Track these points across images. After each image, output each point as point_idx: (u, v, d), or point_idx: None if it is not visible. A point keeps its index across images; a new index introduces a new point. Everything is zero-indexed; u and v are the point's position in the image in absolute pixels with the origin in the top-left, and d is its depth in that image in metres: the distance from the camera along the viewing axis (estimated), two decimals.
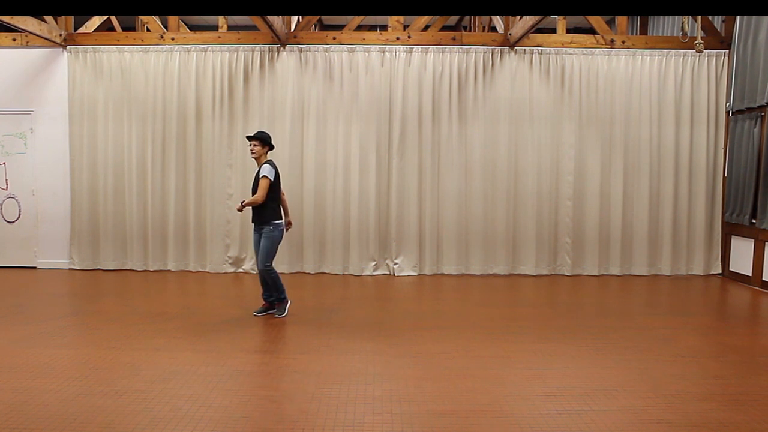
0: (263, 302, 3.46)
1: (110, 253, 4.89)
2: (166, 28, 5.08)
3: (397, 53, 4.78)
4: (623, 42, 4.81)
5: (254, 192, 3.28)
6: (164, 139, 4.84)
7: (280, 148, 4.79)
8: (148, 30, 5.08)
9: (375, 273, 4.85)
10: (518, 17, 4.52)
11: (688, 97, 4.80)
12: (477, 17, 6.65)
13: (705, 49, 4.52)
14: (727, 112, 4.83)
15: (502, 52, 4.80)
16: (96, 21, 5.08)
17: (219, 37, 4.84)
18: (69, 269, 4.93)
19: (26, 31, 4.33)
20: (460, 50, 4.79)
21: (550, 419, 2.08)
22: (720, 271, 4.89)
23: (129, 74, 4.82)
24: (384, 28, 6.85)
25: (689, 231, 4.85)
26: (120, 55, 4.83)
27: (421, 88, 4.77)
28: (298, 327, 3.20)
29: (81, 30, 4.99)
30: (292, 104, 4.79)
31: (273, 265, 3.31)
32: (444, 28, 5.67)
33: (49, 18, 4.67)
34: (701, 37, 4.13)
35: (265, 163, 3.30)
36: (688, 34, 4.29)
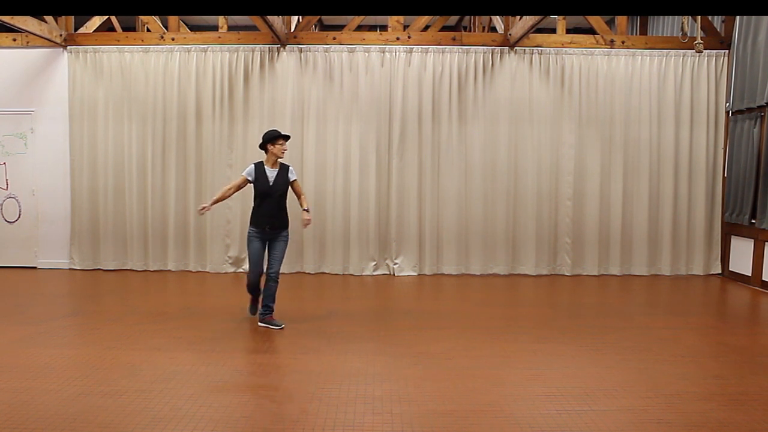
0: (253, 298, 3.31)
1: (110, 253, 4.89)
2: (166, 28, 5.08)
3: (397, 53, 4.78)
4: (623, 42, 4.81)
5: (280, 195, 3.07)
6: (164, 139, 4.84)
7: None
8: (148, 30, 5.08)
9: (375, 273, 4.85)
10: (518, 17, 4.52)
11: (688, 98, 4.80)
12: (477, 17, 6.65)
13: (705, 49, 4.52)
14: (727, 112, 4.83)
15: (502, 53, 4.80)
16: (96, 21, 5.08)
17: (219, 37, 4.85)
18: (69, 269, 4.93)
19: (26, 31, 4.33)
20: (460, 50, 4.79)
21: (550, 419, 2.08)
22: (720, 271, 4.89)
23: (129, 74, 4.82)
24: (384, 28, 6.85)
25: (689, 231, 4.85)
26: (120, 55, 4.84)
27: (421, 89, 4.77)
28: (298, 327, 3.20)
29: (81, 30, 4.99)
30: (292, 104, 4.79)
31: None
32: (444, 29, 5.67)
33: (49, 18, 4.67)
34: (701, 38, 4.13)
35: (286, 165, 3.17)
36: (688, 35, 4.29)
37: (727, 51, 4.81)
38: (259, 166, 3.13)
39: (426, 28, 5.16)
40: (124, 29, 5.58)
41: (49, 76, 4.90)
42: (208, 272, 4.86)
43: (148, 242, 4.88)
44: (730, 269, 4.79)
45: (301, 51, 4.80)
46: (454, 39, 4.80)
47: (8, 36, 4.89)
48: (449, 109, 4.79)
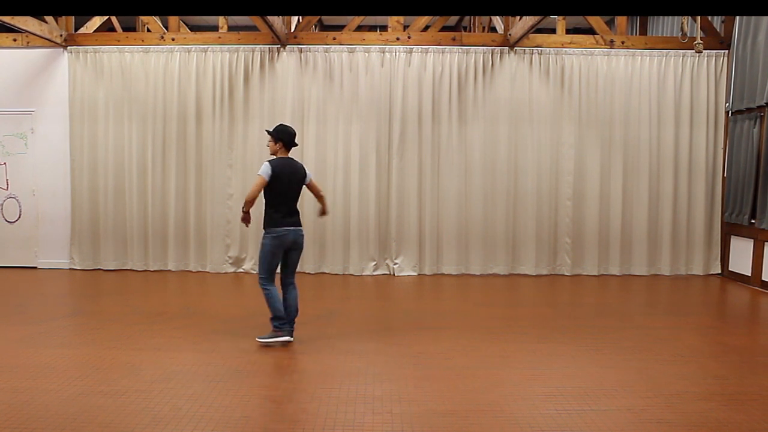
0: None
1: (111, 253, 4.89)
2: (166, 28, 5.08)
3: (397, 53, 4.78)
4: (623, 42, 4.81)
5: (295, 197, 2.86)
6: (164, 139, 4.84)
7: None
8: (148, 30, 5.08)
9: (375, 273, 4.85)
10: (518, 17, 4.52)
11: (688, 98, 4.80)
12: (477, 18, 6.66)
13: (704, 49, 4.52)
14: (727, 112, 4.83)
15: (501, 53, 4.80)
16: (96, 21, 5.08)
17: (219, 37, 4.85)
18: (69, 269, 4.93)
19: (27, 31, 4.33)
20: (460, 50, 4.79)
21: (550, 419, 2.08)
22: (719, 271, 4.89)
23: (129, 74, 4.83)
24: (384, 28, 6.85)
25: (689, 231, 4.86)
26: (120, 55, 4.84)
27: (421, 89, 4.77)
28: (298, 327, 3.20)
29: (81, 30, 4.99)
30: (293, 104, 4.79)
31: (267, 280, 2.79)
32: (444, 29, 5.67)
33: (49, 18, 4.67)
34: (701, 38, 4.13)
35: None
36: (688, 35, 4.29)
37: (726, 51, 4.81)
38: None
39: (426, 28, 5.16)
40: (125, 29, 5.58)
41: (50, 77, 4.90)
42: (208, 272, 4.86)
43: (148, 242, 4.88)
44: (730, 269, 4.79)
45: (301, 51, 4.80)
46: (454, 39, 4.81)
47: (8, 36, 4.89)
48: (449, 109, 4.79)
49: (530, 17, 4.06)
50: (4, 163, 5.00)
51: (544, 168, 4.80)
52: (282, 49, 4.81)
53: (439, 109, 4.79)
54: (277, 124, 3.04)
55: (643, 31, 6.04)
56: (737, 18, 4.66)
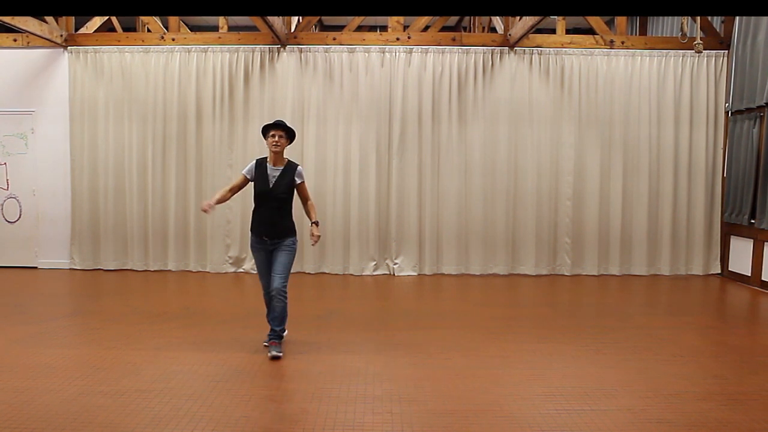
0: (272, 341, 2.72)
1: (111, 253, 4.89)
2: (166, 28, 5.08)
3: (397, 54, 4.78)
4: (622, 42, 4.81)
5: (281, 199, 2.61)
6: (165, 139, 4.84)
7: None
8: (148, 30, 5.09)
9: (375, 273, 4.85)
10: (518, 18, 4.52)
11: (688, 98, 4.81)
12: (477, 18, 6.66)
13: (704, 49, 4.53)
14: (727, 113, 4.83)
15: (501, 53, 4.80)
16: (96, 21, 5.09)
17: (219, 37, 4.85)
18: (70, 269, 4.93)
19: (27, 31, 4.33)
20: (460, 51, 4.79)
21: (550, 419, 2.08)
22: (719, 271, 4.89)
23: (129, 75, 4.83)
24: (384, 28, 6.85)
25: (688, 231, 4.86)
26: (120, 55, 4.84)
27: (421, 89, 4.77)
28: (298, 327, 3.20)
29: (82, 30, 4.99)
30: (293, 104, 4.79)
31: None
32: (444, 29, 5.68)
33: (49, 18, 4.67)
34: (700, 38, 4.14)
35: (294, 163, 2.71)
36: (688, 35, 4.29)
37: (726, 51, 4.81)
38: (261, 164, 2.68)
39: (426, 28, 5.16)
40: (125, 30, 5.58)
41: (50, 77, 4.90)
42: (208, 272, 4.86)
43: (148, 242, 4.89)
44: (730, 269, 4.79)
45: (301, 51, 4.80)
46: (453, 39, 4.81)
47: (9, 36, 4.89)
48: (449, 110, 4.79)
49: (530, 17, 4.06)
50: (5, 163, 5.00)
51: (544, 168, 4.80)
52: (282, 49, 4.81)
53: (439, 109, 4.79)
54: (278, 119, 2.93)
55: (643, 32, 6.04)
56: (737, 18, 4.66)
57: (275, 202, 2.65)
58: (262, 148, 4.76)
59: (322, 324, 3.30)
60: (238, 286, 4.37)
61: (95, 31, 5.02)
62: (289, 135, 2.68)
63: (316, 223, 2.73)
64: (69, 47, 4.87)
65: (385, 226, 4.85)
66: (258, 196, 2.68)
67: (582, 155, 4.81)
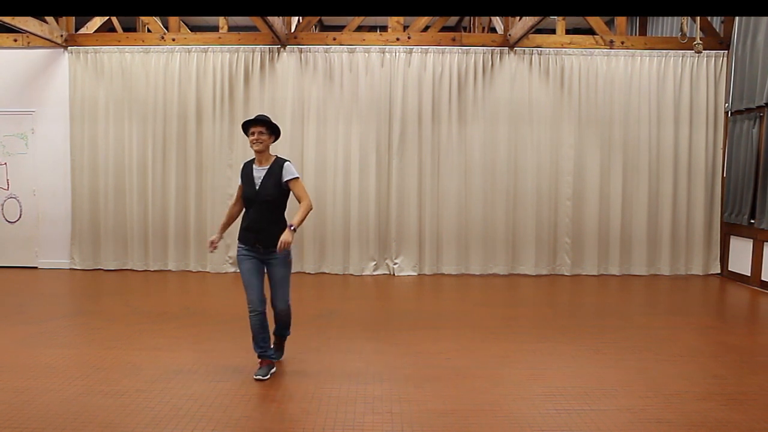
0: (263, 360, 2.43)
1: (111, 253, 4.89)
2: (166, 28, 5.08)
3: (397, 54, 4.78)
4: (622, 43, 4.81)
5: (269, 202, 2.34)
6: (165, 139, 4.84)
7: (281, 148, 4.79)
8: (148, 31, 5.09)
9: (375, 273, 4.85)
10: (518, 18, 4.52)
11: (687, 98, 4.81)
12: (476, 18, 6.66)
13: (704, 49, 4.52)
14: (726, 113, 4.83)
15: (501, 53, 4.81)
16: (97, 22, 5.09)
17: (219, 37, 4.85)
18: (70, 269, 4.93)
19: (27, 31, 4.33)
20: (460, 51, 4.79)
21: (550, 419, 2.08)
22: (719, 271, 4.89)
23: (130, 75, 4.83)
24: (384, 28, 6.85)
25: (688, 231, 4.86)
26: (121, 55, 4.84)
27: (421, 89, 4.77)
28: (299, 327, 3.20)
29: (82, 31, 4.99)
30: (293, 105, 4.79)
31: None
32: (444, 29, 5.68)
33: (50, 19, 4.67)
34: (700, 38, 4.14)
35: (282, 159, 2.41)
36: (687, 35, 4.29)
37: (726, 51, 4.81)
38: (248, 165, 2.45)
39: (426, 28, 5.17)
40: (125, 30, 5.58)
41: (50, 77, 4.90)
42: (208, 272, 4.86)
43: (148, 242, 4.88)
44: (730, 269, 4.79)
45: (301, 51, 4.81)
46: (453, 39, 4.81)
47: (9, 36, 4.89)
48: (449, 110, 4.79)
49: (530, 18, 4.06)
50: (5, 163, 5.00)
51: (544, 168, 4.80)
52: (282, 49, 4.81)
53: (439, 110, 4.79)
54: (258, 114, 2.54)
55: (643, 32, 6.04)
56: (737, 18, 4.66)
57: (263, 206, 2.37)
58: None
59: (322, 324, 3.30)
60: (238, 287, 4.36)
61: (95, 32, 5.02)
62: (272, 130, 2.41)
63: (291, 228, 2.28)
64: (69, 47, 4.87)
65: (385, 226, 4.85)
66: (245, 201, 2.43)
67: (582, 155, 4.81)
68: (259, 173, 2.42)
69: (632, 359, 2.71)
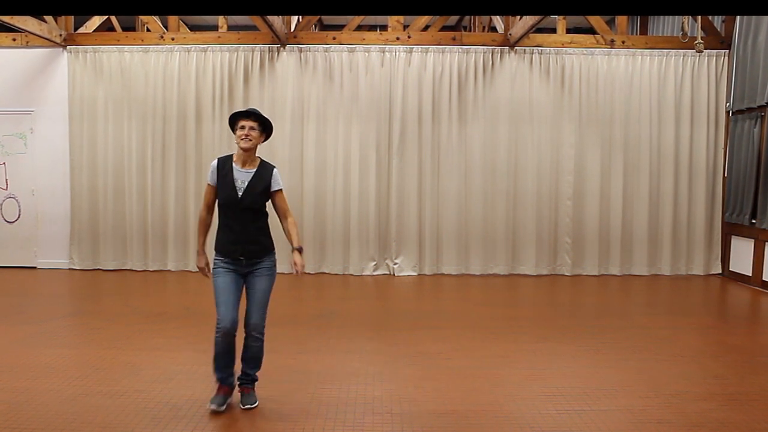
0: (222, 386, 2.11)
1: (110, 253, 4.88)
2: (166, 28, 5.07)
3: (397, 53, 4.77)
4: (623, 42, 4.80)
5: (252, 210, 2.05)
6: (164, 139, 4.83)
7: (280, 148, 4.79)
8: (148, 30, 5.08)
9: (375, 273, 4.84)
10: (518, 17, 4.51)
11: (688, 97, 4.79)
12: (477, 17, 6.64)
13: (705, 49, 4.51)
14: (727, 112, 4.82)
15: (502, 52, 4.79)
16: (96, 21, 5.07)
17: (219, 37, 4.84)
18: (69, 269, 4.92)
19: (26, 31, 4.32)
20: (460, 50, 4.78)
21: (550, 419, 2.08)
22: (720, 271, 4.88)
23: (129, 74, 4.82)
24: (384, 28, 6.84)
25: (689, 231, 4.85)
26: (120, 55, 4.83)
27: (421, 88, 4.76)
28: (298, 327, 3.20)
29: (81, 30, 4.98)
30: (292, 104, 4.78)
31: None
32: (444, 28, 5.66)
33: (49, 18, 4.66)
34: (701, 37, 4.12)
35: (270, 165, 2.13)
36: (688, 34, 4.27)
37: (727, 51, 4.80)
38: (225, 164, 2.08)
39: (426, 28, 5.15)
40: (124, 29, 5.57)
41: (49, 76, 4.89)
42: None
43: (147, 242, 4.87)
44: (731, 269, 4.78)
45: (301, 51, 4.79)
46: (454, 39, 4.80)
47: (8, 36, 4.88)
48: (449, 109, 4.78)
49: (530, 17, 4.05)
50: (4, 163, 4.99)
51: (545, 168, 4.79)
52: (282, 48, 4.80)
53: (439, 109, 4.78)
54: (250, 107, 2.24)
55: (644, 31, 6.03)
56: (738, 18, 4.65)
57: (247, 214, 2.05)
58: (261, 148, 4.74)
59: (322, 324, 3.29)
60: None
61: (94, 31, 5.01)
62: (264, 127, 2.10)
63: (300, 250, 2.08)
64: (68, 47, 4.85)
65: (385, 226, 4.84)
66: (223, 207, 2.07)
67: (582, 155, 4.80)
68: (242, 176, 2.06)
69: (633, 359, 2.71)
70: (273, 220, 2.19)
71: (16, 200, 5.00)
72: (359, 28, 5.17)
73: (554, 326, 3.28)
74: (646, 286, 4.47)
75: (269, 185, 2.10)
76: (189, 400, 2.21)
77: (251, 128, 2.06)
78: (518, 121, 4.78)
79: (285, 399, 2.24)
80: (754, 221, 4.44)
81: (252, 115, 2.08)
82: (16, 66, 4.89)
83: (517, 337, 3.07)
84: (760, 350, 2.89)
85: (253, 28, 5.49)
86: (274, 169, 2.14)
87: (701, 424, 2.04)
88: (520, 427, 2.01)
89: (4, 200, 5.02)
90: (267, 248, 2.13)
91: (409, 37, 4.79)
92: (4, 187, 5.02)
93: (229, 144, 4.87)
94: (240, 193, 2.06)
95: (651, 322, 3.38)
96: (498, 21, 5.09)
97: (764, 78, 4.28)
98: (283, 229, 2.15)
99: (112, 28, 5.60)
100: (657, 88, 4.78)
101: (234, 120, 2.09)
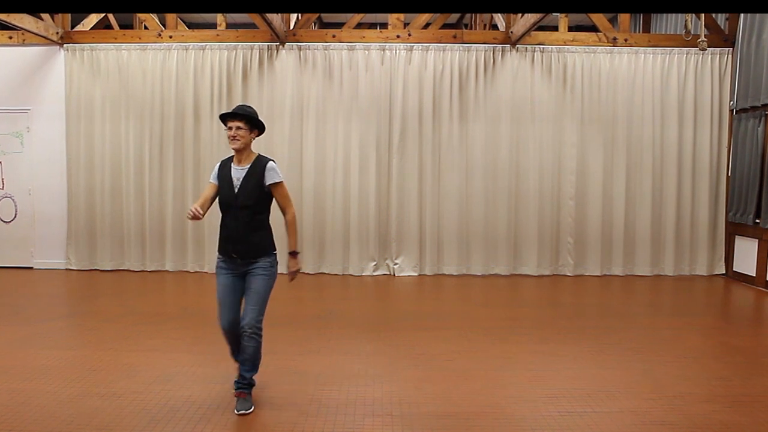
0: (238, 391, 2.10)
1: (107, 253, 4.85)
2: (164, 26, 5.03)
3: (398, 51, 4.74)
4: (626, 40, 4.77)
5: (247, 207, 2.06)
6: (162, 138, 4.80)
7: (279, 146, 4.76)
8: (145, 28, 5.04)
9: (375, 273, 4.81)
10: (520, 15, 4.48)
11: (692, 96, 4.76)
12: (478, 15, 6.61)
13: (708, 47, 4.48)
14: (731, 111, 4.79)
15: (503, 50, 4.76)
16: (93, 19, 5.04)
17: (217, 35, 4.81)
18: (66, 269, 4.89)
19: (23, 29, 4.29)
20: (461, 48, 4.75)
21: (552, 421, 2.06)
22: (723, 272, 4.85)
23: (126, 72, 4.78)
24: (384, 25, 6.79)
25: (692, 231, 4.82)
26: (117, 53, 4.80)
27: (422, 87, 4.73)
28: (298, 328, 3.17)
29: (78, 28, 4.94)
30: (292, 103, 4.75)
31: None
32: (445, 26, 5.62)
33: (45, 16, 4.63)
34: (704, 35, 4.09)
35: (265, 158, 2.11)
36: (692, 32, 4.24)
37: (731, 49, 4.77)
38: (225, 164, 2.14)
39: (427, 25, 5.12)
40: (122, 27, 5.53)
41: (46, 75, 4.86)
42: (206, 272, 4.82)
43: (145, 242, 4.85)
44: (734, 269, 4.75)
45: (300, 49, 4.76)
46: (455, 37, 4.77)
47: (4, 34, 4.85)
48: (450, 108, 4.75)
49: (532, 15, 4.02)
50: (0, 162, 4.96)
51: (546, 167, 4.76)
52: (281, 46, 4.76)
53: (440, 108, 4.75)
54: (238, 105, 2.15)
55: (647, 29, 5.99)
56: (741, 15, 4.63)
57: (242, 212, 2.06)
58: (260, 147, 4.72)
59: (322, 325, 3.27)
60: None
61: (92, 29, 4.97)
62: (252, 125, 2.09)
63: (294, 254, 2.11)
64: (65, 45, 4.82)
65: (385, 226, 4.81)
66: (222, 205, 2.12)
67: (584, 154, 4.77)
68: (237, 174, 2.10)
69: (635, 361, 2.69)
70: (277, 219, 2.17)
71: (13, 200, 4.97)
72: (359, 26, 5.14)
73: (556, 327, 3.26)
74: (648, 286, 4.45)
75: (262, 179, 2.09)
76: (187, 402, 2.19)
77: (238, 128, 2.08)
78: (520, 120, 4.75)
79: (284, 400, 2.22)
80: (758, 221, 4.41)
81: (236, 115, 2.09)
82: (13, 64, 4.86)
83: (519, 338, 3.05)
84: (764, 351, 2.87)
85: (252, 26, 5.45)
86: (269, 163, 2.12)
87: (705, 426, 2.02)
88: (522, 430, 2.00)
89: (0, 200, 4.99)
90: (263, 248, 2.12)
91: (409, 35, 4.75)
92: (1, 187, 4.99)
93: (227, 143, 4.82)
94: (236, 191, 2.10)
95: (654, 323, 3.36)
96: (499, 19, 5.05)
97: None
98: (286, 228, 2.17)
99: (109, 26, 5.57)
100: (660, 87, 4.74)
101: (223, 122, 2.13)
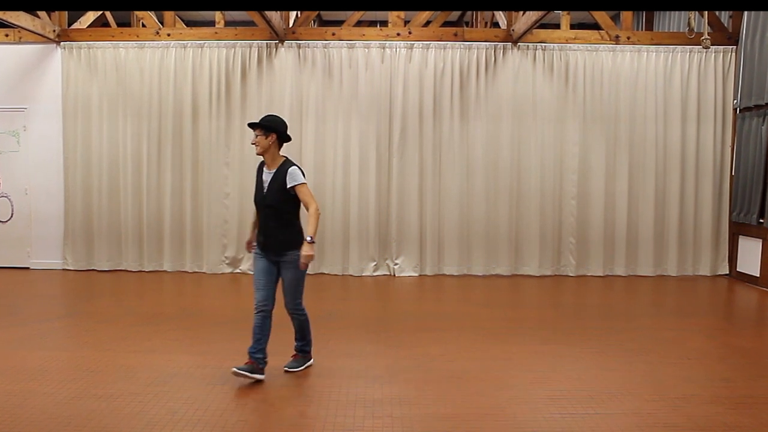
0: (249, 358, 2.37)
1: (105, 253, 4.82)
2: (161, 23, 5.00)
3: (398, 49, 4.71)
4: (628, 38, 4.74)
5: (272, 207, 2.35)
6: (160, 136, 4.77)
7: None
8: (143, 25, 5.02)
9: (375, 273, 4.79)
10: (521, 13, 4.44)
11: (695, 94, 4.74)
12: (479, 13, 6.57)
13: (712, 45, 4.45)
14: (735, 110, 4.76)
15: (504, 48, 4.73)
16: (90, 16, 5.01)
17: (216, 32, 4.77)
18: (63, 269, 4.87)
19: (19, 26, 4.26)
20: (462, 46, 4.72)
21: (554, 422, 2.05)
22: (727, 272, 4.82)
23: (124, 71, 4.75)
24: (384, 23, 6.76)
25: (696, 231, 4.79)
26: (115, 51, 4.77)
27: (422, 85, 4.70)
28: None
29: (75, 25, 4.91)
30: (291, 101, 4.72)
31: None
32: (445, 24, 5.59)
33: (42, 13, 4.60)
34: (708, 33, 4.06)
35: (289, 163, 2.38)
36: (695, 30, 4.21)
37: (734, 47, 4.74)
38: (260, 167, 2.46)
39: (427, 23, 5.09)
40: (119, 25, 5.51)
41: (43, 73, 4.83)
42: (204, 273, 4.80)
43: (143, 242, 4.82)
44: (738, 270, 4.73)
45: (299, 47, 4.73)
46: (455, 35, 4.73)
47: (0, 32, 4.82)
48: (451, 107, 4.72)
49: (534, 12, 3.98)
50: None
51: (548, 166, 4.73)
52: (280, 44, 4.73)
53: (441, 106, 4.72)
54: (267, 114, 2.47)
55: (649, 27, 5.96)
56: (745, 13, 4.60)
57: (268, 211, 2.37)
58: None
59: (321, 325, 3.25)
60: (235, 287, 4.32)
61: (89, 27, 4.95)
62: (267, 130, 2.34)
63: (311, 241, 2.33)
64: (62, 43, 4.79)
65: (385, 226, 4.79)
66: (255, 204, 2.46)
67: (587, 153, 4.74)
68: (267, 177, 2.40)
69: (638, 362, 2.67)
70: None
71: (9, 199, 4.94)
72: (359, 23, 5.12)
73: (558, 328, 3.24)
74: (651, 287, 4.43)
75: (284, 183, 2.36)
76: (185, 404, 2.18)
77: (256, 136, 2.38)
78: (521, 118, 4.72)
79: (283, 402, 2.21)
80: (761, 221, 4.38)
81: (255, 124, 2.38)
82: (9, 62, 4.83)
83: (520, 339, 3.03)
84: None
85: (251, 23, 5.42)
86: (289, 168, 2.38)
87: (708, 428, 2.01)
88: (523, 431, 1.97)
89: None
90: (289, 244, 2.42)
91: (409, 33, 4.72)
92: None
93: (226, 141, 4.82)
94: (264, 192, 2.41)
95: (657, 324, 3.34)
96: (501, 16, 5.02)
97: None
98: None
99: (106, 24, 5.53)
100: (663, 85, 4.72)
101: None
